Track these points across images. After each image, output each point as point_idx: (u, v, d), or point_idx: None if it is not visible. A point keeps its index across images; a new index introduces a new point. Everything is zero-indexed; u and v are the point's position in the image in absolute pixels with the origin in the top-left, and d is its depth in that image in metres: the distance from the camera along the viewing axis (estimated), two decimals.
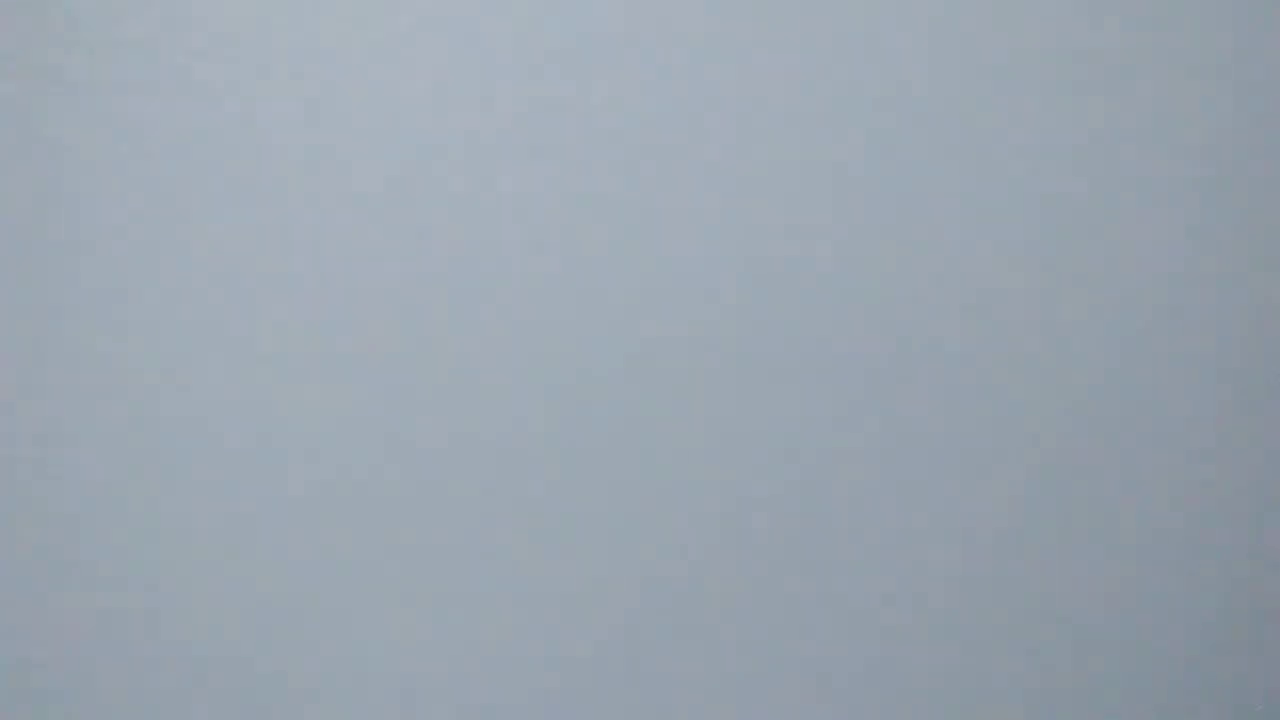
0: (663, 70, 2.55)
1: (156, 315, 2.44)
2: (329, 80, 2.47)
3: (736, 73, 2.56)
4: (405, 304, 2.50)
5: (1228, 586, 2.68)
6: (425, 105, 2.50)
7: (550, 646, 2.52)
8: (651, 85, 2.55)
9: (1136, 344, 2.66)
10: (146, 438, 2.44)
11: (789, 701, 2.57)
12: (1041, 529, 2.63)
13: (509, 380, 2.52)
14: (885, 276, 2.60)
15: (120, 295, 2.44)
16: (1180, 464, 2.67)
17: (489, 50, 2.51)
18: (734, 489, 2.56)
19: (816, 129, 2.58)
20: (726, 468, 2.56)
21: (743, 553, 2.56)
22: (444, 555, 2.50)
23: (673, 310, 2.55)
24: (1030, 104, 2.63)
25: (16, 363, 2.42)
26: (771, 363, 2.57)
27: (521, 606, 2.52)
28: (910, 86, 2.60)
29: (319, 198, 2.47)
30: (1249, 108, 2.69)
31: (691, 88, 2.56)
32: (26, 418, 2.42)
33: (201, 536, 2.45)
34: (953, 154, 2.61)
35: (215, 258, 2.46)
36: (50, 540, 2.43)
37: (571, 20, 2.53)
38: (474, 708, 2.51)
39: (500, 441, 2.52)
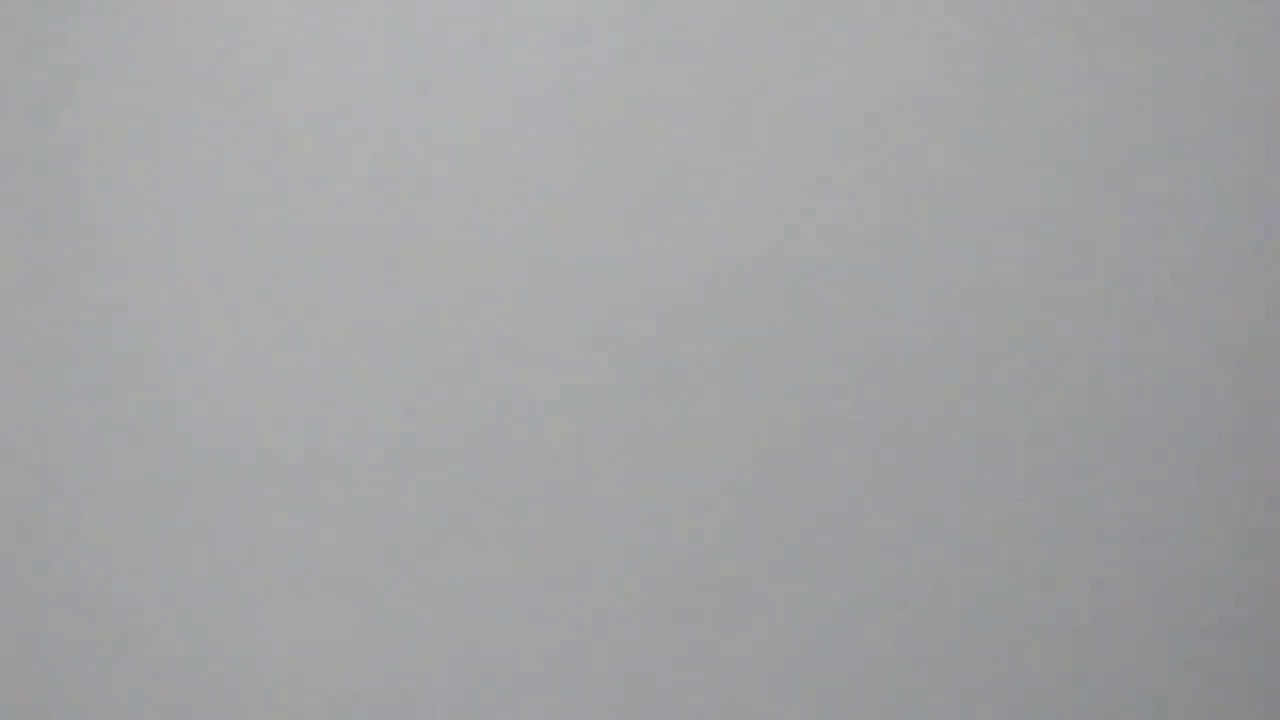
0: (661, 71, 2.55)
1: (157, 315, 2.45)
2: (329, 81, 2.48)
3: (734, 73, 2.57)
4: (400, 303, 2.50)
5: (1228, 587, 2.68)
6: (424, 105, 2.50)
7: (543, 645, 2.53)
8: (650, 86, 2.55)
9: (1135, 344, 2.66)
10: (146, 437, 2.45)
11: (783, 700, 2.58)
12: (1040, 529, 2.63)
13: (506, 379, 2.52)
14: (884, 276, 2.60)
15: (122, 295, 2.45)
16: (1180, 464, 2.67)
17: (488, 49, 2.52)
18: (732, 489, 2.57)
19: (824, 129, 2.58)
20: (724, 467, 2.56)
21: (739, 552, 2.57)
22: (439, 553, 2.51)
23: (669, 309, 2.55)
24: (1028, 104, 2.64)
25: (16, 363, 2.42)
26: (769, 362, 2.57)
27: (516, 605, 2.53)
28: (911, 87, 2.60)
29: (319, 196, 2.48)
30: (1253, 108, 2.69)
31: (689, 88, 2.56)
32: (26, 418, 2.43)
33: (197, 535, 2.46)
34: (952, 154, 2.62)
35: (215, 258, 2.47)
36: (50, 541, 2.43)
37: (569, 21, 2.54)
38: (469, 704, 2.51)
39: (496, 440, 2.52)
